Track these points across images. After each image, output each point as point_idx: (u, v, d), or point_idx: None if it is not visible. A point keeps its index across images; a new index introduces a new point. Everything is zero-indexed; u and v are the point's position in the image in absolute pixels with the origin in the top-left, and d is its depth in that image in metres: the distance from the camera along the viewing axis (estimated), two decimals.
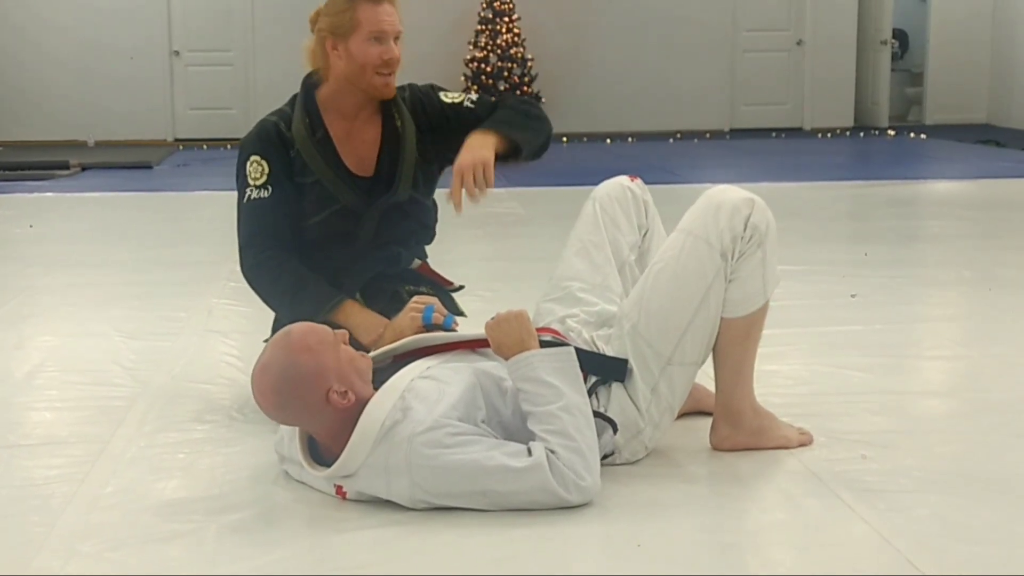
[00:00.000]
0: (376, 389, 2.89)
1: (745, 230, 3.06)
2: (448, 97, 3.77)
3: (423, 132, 3.71)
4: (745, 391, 3.22)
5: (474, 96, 3.81)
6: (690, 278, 3.06)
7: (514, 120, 3.62)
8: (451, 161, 3.60)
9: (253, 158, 3.65)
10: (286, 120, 3.68)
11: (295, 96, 3.72)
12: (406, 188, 3.67)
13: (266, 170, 3.62)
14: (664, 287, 3.08)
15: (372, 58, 3.58)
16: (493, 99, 3.81)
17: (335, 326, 3.06)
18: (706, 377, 3.35)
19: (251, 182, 3.64)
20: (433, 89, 3.81)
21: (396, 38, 3.62)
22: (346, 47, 3.59)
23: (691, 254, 3.07)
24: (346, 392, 2.83)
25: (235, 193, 3.70)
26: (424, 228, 3.82)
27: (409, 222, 3.74)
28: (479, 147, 3.43)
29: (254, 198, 3.63)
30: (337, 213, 3.65)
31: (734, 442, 3.24)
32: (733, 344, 3.15)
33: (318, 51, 3.65)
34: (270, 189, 3.62)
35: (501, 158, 3.48)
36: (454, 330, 3.28)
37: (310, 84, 3.70)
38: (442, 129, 3.72)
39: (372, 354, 3.09)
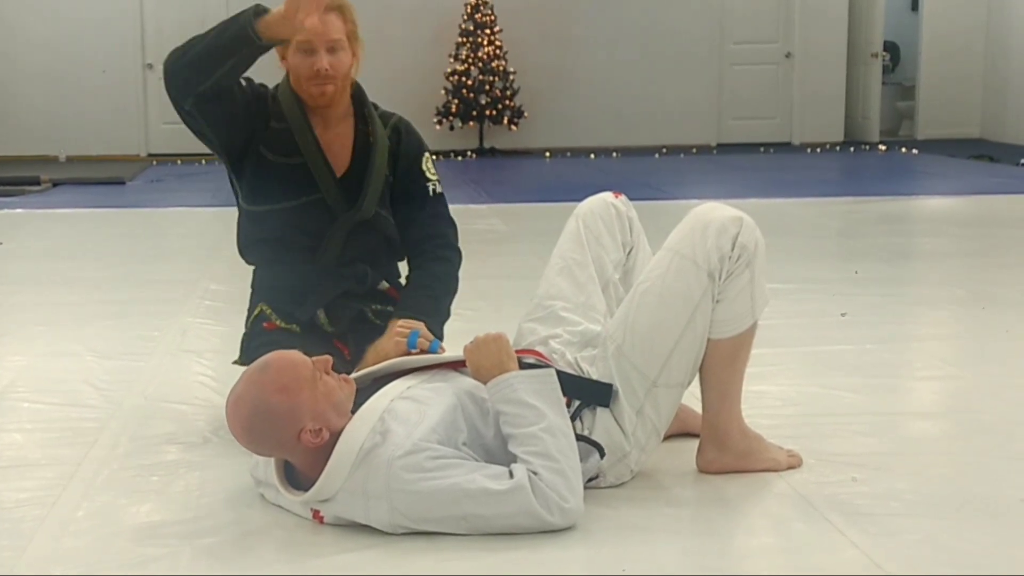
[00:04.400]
0: (355, 411, 2.84)
1: (733, 250, 3.01)
2: (426, 165, 3.79)
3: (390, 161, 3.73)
4: (732, 412, 3.19)
5: (439, 189, 3.80)
6: (676, 299, 3.02)
7: (434, 304, 3.66)
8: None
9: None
10: (273, 95, 3.70)
11: (277, 85, 3.74)
12: (372, 205, 3.66)
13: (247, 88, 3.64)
14: (650, 308, 3.04)
15: (303, 69, 3.61)
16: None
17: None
18: (693, 398, 3.30)
19: None
20: (422, 145, 3.83)
21: (331, 48, 3.59)
22: (287, 58, 3.64)
23: (678, 274, 3.02)
24: (320, 430, 2.78)
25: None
26: (390, 244, 3.78)
27: (375, 237, 3.72)
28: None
29: None
30: (310, 205, 3.64)
31: (721, 464, 3.19)
32: (720, 365, 3.11)
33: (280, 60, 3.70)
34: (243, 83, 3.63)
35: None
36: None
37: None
38: (399, 181, 3.74)
39: (354, 375, 3.04)
